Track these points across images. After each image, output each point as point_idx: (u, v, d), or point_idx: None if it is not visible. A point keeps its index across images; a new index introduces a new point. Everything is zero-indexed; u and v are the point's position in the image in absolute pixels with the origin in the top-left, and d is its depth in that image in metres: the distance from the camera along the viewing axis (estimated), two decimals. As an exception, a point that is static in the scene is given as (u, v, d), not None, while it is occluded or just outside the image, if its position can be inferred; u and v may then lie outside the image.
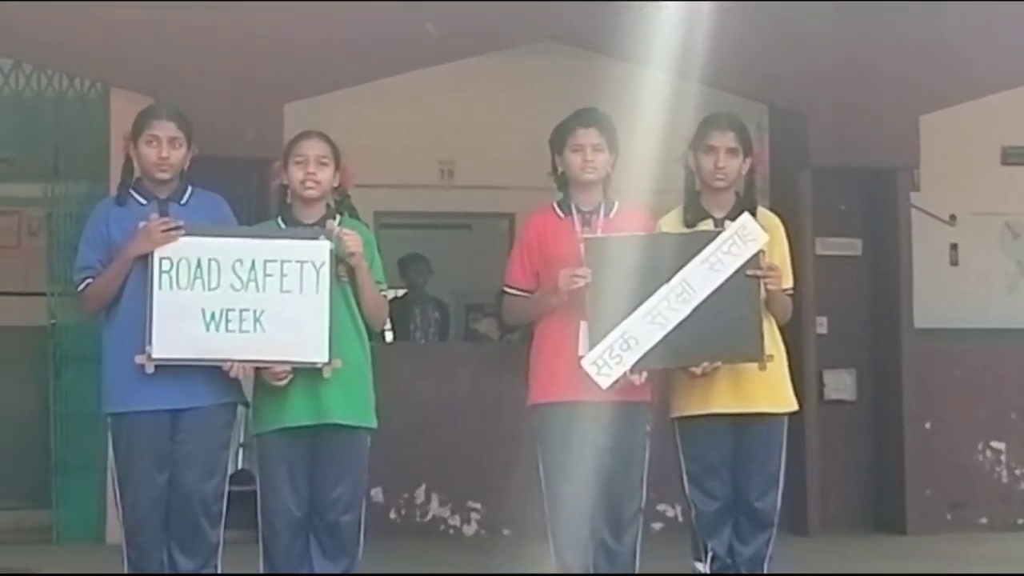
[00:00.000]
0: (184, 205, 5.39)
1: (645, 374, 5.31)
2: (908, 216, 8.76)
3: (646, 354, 5.25)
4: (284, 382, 5.25)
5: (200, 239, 5.25)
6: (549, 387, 5.41)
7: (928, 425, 8.74)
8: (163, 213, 5.31)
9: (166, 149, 5.32)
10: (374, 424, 5.42)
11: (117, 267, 5.26)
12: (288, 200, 5.45)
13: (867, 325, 8.84)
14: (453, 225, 11.32)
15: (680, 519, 7.74)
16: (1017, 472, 8.93)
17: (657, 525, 8.03)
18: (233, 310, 5.23)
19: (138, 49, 7.69)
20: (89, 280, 5.32)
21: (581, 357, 5.26)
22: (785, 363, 5.51)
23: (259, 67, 7.78)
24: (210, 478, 5.32)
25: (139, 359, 5.17)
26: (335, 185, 5.43)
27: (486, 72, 8.96)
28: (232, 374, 5.25)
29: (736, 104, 7.24)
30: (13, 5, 7.39)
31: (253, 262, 5.24)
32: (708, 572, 5.47)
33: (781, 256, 5.49)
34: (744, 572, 5.46)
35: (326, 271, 5.25)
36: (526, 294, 5.51)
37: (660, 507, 8.15)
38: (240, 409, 5.47)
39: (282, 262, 5.25)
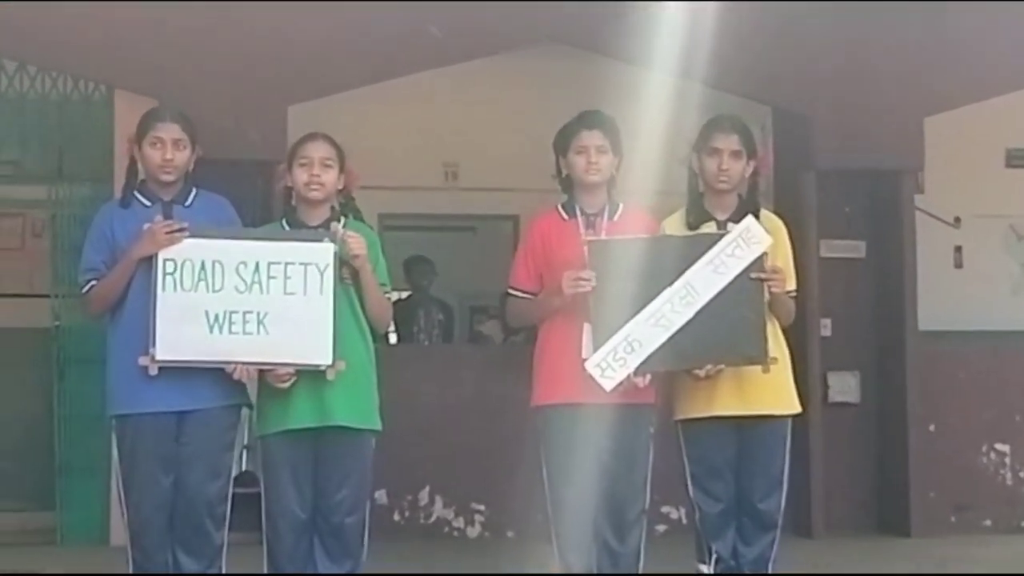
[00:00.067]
0: (188, 207, 5.39)
1: (649, 376, 5.31)
2: (912, 218, 8.73)
3: (650, 356, 5.25)
4: (288, 384, 5.25)
5: (204, 241, 5.24)
6: (553, 389, 5.40)
7: (932, 427, 8.72)
8: (167, 215, 5.31)
9: (170, 151, 5.32)
10: (378, 426, 5.41)
11: (121, 269, 5.26)
12: (292, 202, 5.44)
13: (871, 327, 8.82)
14: (457, 227, 11.29)
15: (684, 521, 7.74)
16: (1021, 474, 8.90)
17: (661, 527, 8.02)
18: (237, 312, 5.22)
19: (142, 51, 7.69)
20: (93, 282, 5.32)
21: (585, 359, 5.26)
22: (789, 365, 5.50)
23: (263, 69, 7.78)
24: (214, 480, 5.32)
25: (143, 361, 5.17)
26: (339, 187, 5.43)
27: (490, 74, 8.95)
28: (236, 376, 5.25)
29: (740, 106, 7.22)
30: (16, 6, 7.39)
31: (257, 264, 5.24)
32: (712, 574, 5.47)
33: (784, 258, 5.49)
34: (748, 574, 5.45)
35: (330, 273, 5.25)
36: (530, 296, 5.50)
37: (664, 509, 8.15)
38: (244, 411, 5.46)
39: (286, 264, 5.25)
